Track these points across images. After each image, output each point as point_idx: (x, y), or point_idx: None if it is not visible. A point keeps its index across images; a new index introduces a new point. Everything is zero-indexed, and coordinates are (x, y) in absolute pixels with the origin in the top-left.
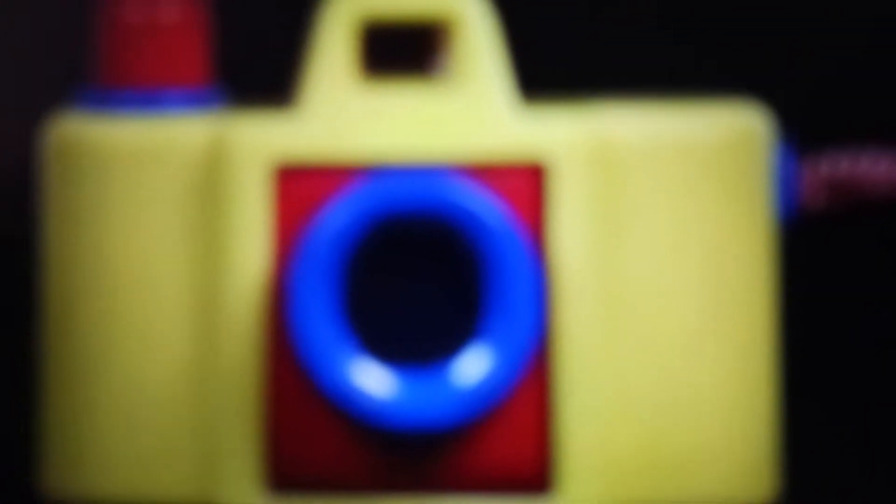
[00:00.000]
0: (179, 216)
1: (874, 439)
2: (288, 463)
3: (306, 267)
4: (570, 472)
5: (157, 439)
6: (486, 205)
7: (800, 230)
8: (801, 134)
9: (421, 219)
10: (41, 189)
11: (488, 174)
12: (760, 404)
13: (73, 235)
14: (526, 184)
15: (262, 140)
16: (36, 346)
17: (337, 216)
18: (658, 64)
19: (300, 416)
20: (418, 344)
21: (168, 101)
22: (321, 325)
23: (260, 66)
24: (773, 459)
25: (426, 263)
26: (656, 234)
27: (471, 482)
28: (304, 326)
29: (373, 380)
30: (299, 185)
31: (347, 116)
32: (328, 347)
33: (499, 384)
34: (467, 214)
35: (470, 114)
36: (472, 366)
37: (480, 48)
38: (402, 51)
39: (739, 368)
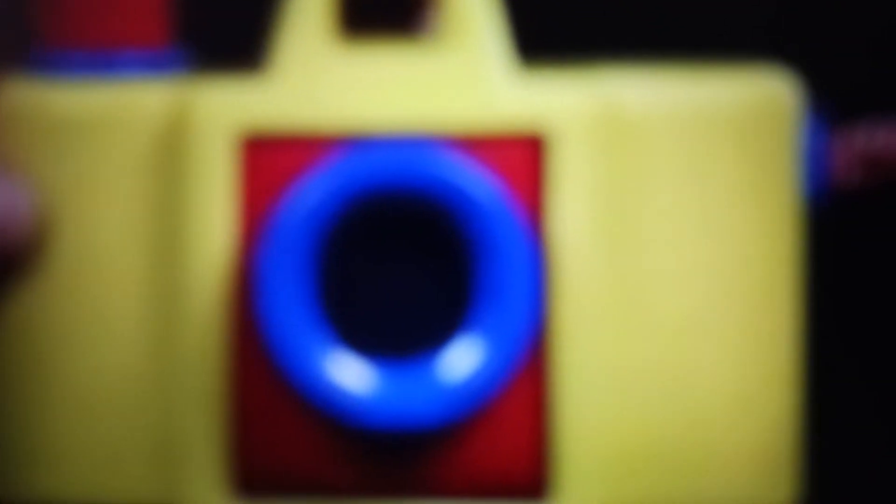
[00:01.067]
0: (138, 190)
1: None
2: (256, 464)
3: (276, 249)
4: (568, 475)
5: (115, 435)
6: (477, 180)
7: (832, 210)
8: (833, 103)
9: (405, 196)
10: None
11: (481, 147)
12: (782, 400)
13: None
14: (523, 157)
15: (227, 107)
16: None
17: (310, 192)
18: (674, 25)
19: (269, 413)
20: (401, 335)
21: (124, 64)
22: (292, 313)
23: (227, 26)
24: (794, 460)
25: (411, 245)
26: (668, 214)
27: (459, 486)
28: (273, 315)
29: (350, 374)
30: (269, 157)
31: (323, 81)
32: (300, 338)
33: (490, 380)
34: (456, 191)
35: (461, 79)
36: (461, 359)
37: (473, 6)
38: (387, 11)
39: (759, 361)
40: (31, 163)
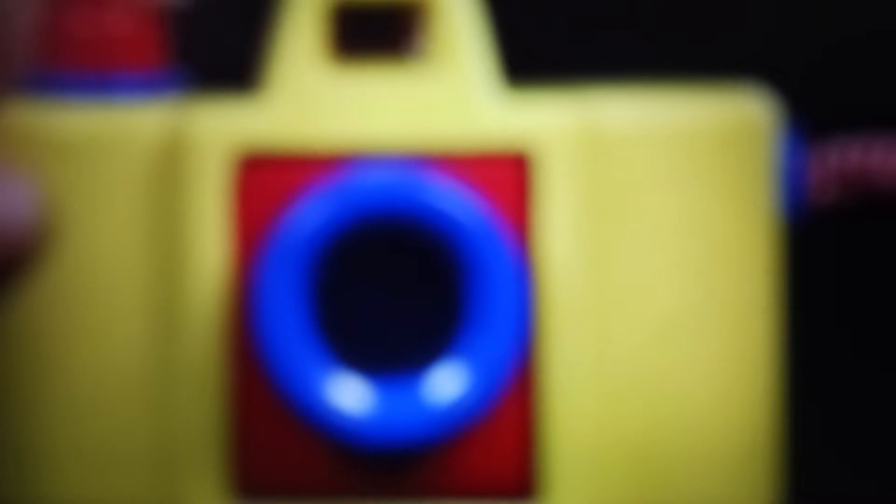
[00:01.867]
0: (134, 211)
1: (881, 443)
2: (254, 471)
3: (274, 270)
4: (556, 482)
5: (115, 439)
6: (463, 205)
7: (808, 226)
8: (808, 121)
9: (395, 221)
10: None
11: (468, 165)
12: (761, 407)
13: None
14: (509, 176)
15: (222, 127)
16: None
17: (306, 216)
18: (652, 47)
19: (266, 423)
20: (393, 354)
21: (121, 87)
22: (289, 330)
23: (222, 48)
24: (773, 463)
25: (405, 265)
26: (650, 231)
27: (451, 493)
28: (271, 334)
29: (344, 394)
30: (264, 177)
31: (316, 101)
32: (297, 357)
33: (476, 401)
34: (443, 216)
35: (449, 99)
36: (449, 381)
37: (460, 29)
38: (377, 33)
39: (738, 370)
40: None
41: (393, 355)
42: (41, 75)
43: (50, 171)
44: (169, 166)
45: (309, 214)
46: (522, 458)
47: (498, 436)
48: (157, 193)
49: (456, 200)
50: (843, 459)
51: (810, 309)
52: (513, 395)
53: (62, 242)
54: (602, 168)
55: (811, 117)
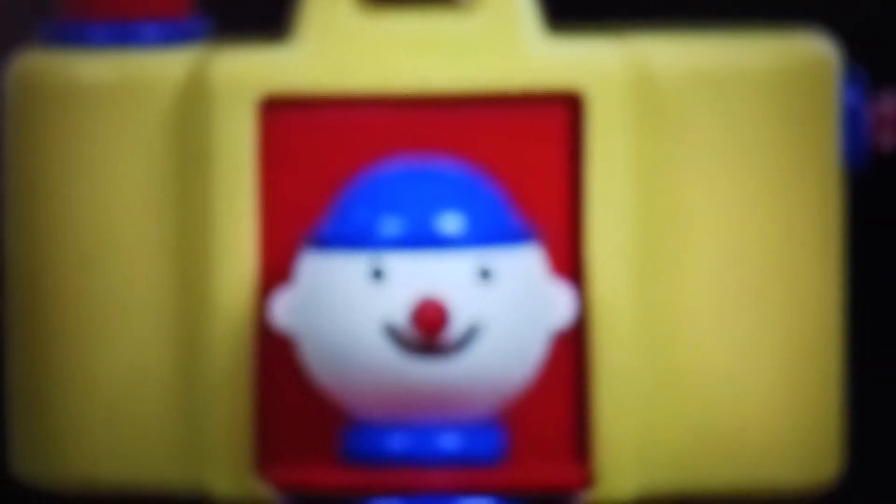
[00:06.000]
0: (160, 156)
1: None
2: (279, 454)
3: None
4: (607, 464)
5: (140, 420)
6: None
7: (870, 174)
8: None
9: None
10: (5, 133)
11: (515, 106)
12: (825, 377)
13: (41, 184)
14: (559, 117)
15: (246, 70)
16: (2, 314)
17: None
18: None
19: (293, 398)
20: None
21: (145, 35)
22: None
23: None
24: (838, 438)
25: None
26: (707, 179)
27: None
28: None
29: None
30: (290, 121)
31: (349, 43)
32: None
33: None
34: None
35: (494, 38)
36: None
37: None
38: None
39: (802, 335)
40: (53, 131)
41: None
42: (65, 24)
43: (76, 116)
44: (194, 110)
45: None
46: (572, 441)
47: (547, 417)
48: (182, 137)
49: None
50: None
51: (870, 265)
52: (561, 369)
53: (86, 188)
54: (655, 109)
55: (865, 64)
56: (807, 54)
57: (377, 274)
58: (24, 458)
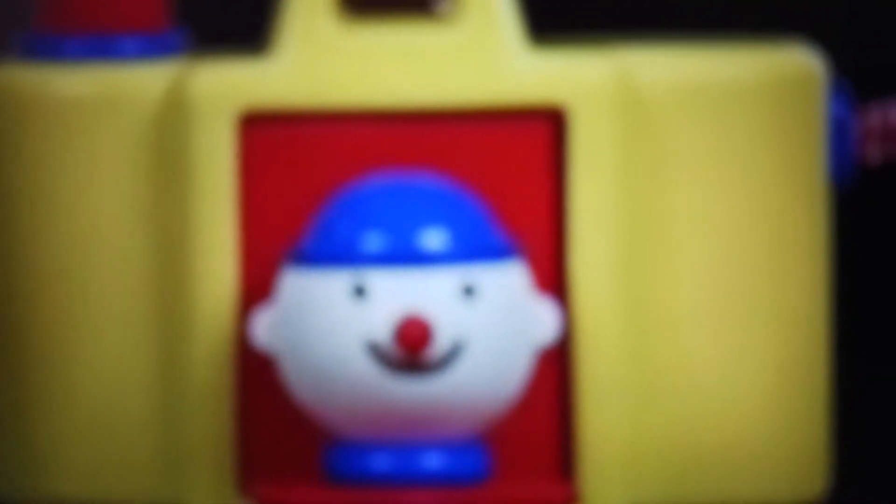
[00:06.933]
0: (137, 171)
1: None
2: (259, 471)
3: None
4: (592, 476)
5: (121, 434)
6: None
7: (855, 188)
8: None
9: None
10: None
11: (498, 120)
12: (811, 389)
13: (18, 198)
14: (542, 131)
15: (227, 83)
16: None
17: None
18: (689, 4)
19: (274, 412)
20: None
21: (123, 49)
22: None
23: (226, 9)
24: (825, 451)
25: None
26: (692, 192)
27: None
28: None
29: None
30: (270, 135)
31: (328, 58)
32: None
33: None
34: None
35: (474, 51)
36: None
37: None
38: None
39: (789, 348)
40: (30, 146)
41: None
42: (42, 38)
43: (53, 130)
44: (173, 124)
45: None
46: (557, 459)
47: (533, 428)
48: (161, 152)
49: None
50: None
51: (855, 278)
52: (546, 386)
53: (64, 203)
54: (640, 123)
55: (852, 77)
56: (793, 67)
57: (359, 291)
58: (2, 473)
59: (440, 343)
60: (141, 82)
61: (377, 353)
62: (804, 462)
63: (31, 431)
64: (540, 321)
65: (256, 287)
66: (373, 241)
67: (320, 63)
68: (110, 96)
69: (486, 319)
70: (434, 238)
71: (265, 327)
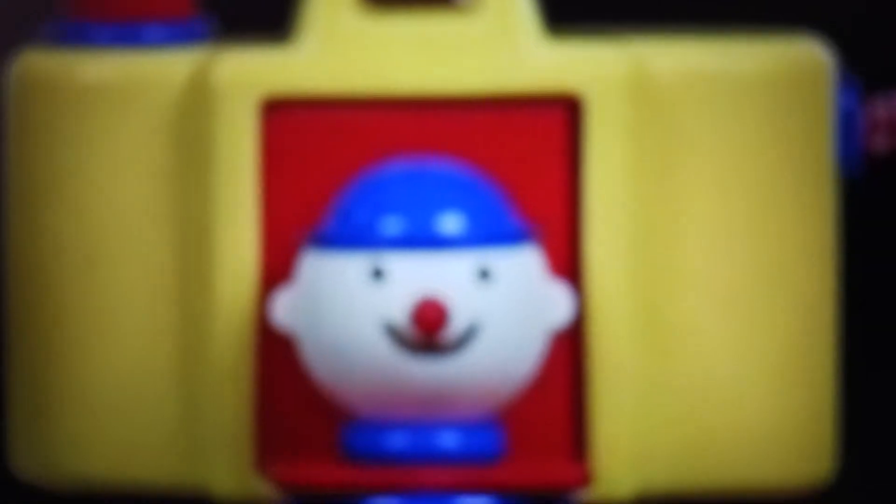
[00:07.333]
0: (162, 157)
1: None
2: (278, 453)
3: None
4: (604, 461)
5: (140, 418)
6: None
7: (862, 179)
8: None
9: None
10: (7, 132)
11: (515, 107)
12: (818, 375)
13: (43, 184)
14: (558, 118)
15: (249, 71)
16: (3, 313)
17: None
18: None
19: (293, 392)
20: None
21: (149, 36)
22: None
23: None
24: (832, 438)
25: None
26: (703, 181)
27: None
28: None
29: None
30: (292, 121)
31: (351, 44)
32: None
33: None
34: None
35: (493, 40)
36: None
37: None
38: None
39: (796, 337)
40: (56, 131)
41: None
42: (69, 24)
43: (79, 116)
44: (197, 110)
45: None
46: (570, 440)
47: (545, 414)
48: (184, 138)
49: None
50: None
51: (862, 266)
52: (560, 368)
53: (88, 187)
54: (653, 112)
55: (859, 68)
56: (802, 58)
57: (377, 273)
58: (24, 457)
59: (456, 325)
60: (166, 69)
61: (394, 334)
62: (811, 447)
63: (54, 415)
64: (554, 304)
65: (277, 270)
66: (391, 224)
67: (342, 51)
68: (135, 82)
69: (501, 302)
70: (451, 222)
71: (285, 308)
